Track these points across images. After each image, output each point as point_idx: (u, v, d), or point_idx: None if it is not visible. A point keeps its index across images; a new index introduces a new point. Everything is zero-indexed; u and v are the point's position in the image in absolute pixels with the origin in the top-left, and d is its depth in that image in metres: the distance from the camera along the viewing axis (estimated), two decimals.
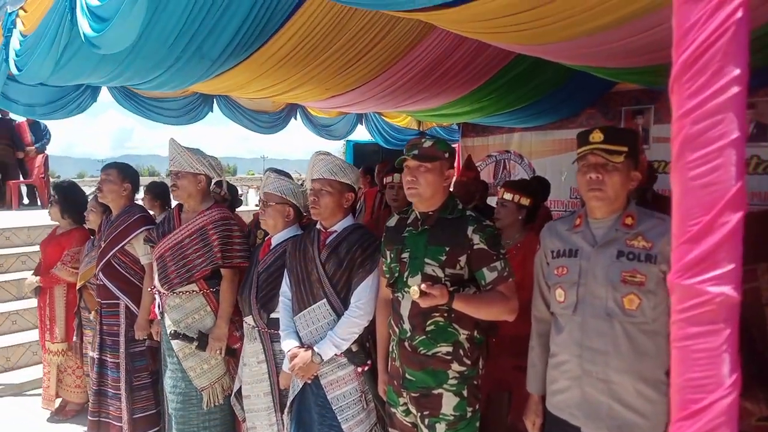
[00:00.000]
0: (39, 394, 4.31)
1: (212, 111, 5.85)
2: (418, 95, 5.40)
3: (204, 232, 3.05)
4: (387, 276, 2.32)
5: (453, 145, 8.39)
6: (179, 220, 3.14)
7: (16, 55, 3.35)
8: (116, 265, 3.48)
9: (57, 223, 4.19)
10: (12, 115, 8.67)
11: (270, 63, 4.19)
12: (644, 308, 1.78)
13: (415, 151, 2.19)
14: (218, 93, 5.66)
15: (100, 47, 2.79)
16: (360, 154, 9.17)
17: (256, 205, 10.44)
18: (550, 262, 2.02)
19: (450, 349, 2.15)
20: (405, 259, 2.21)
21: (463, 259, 2.12)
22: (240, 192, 6.48)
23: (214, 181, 3.29)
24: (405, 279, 2.19)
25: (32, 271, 4.33)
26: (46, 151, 10.16)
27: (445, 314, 2.13)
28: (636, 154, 1.89)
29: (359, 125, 7.61)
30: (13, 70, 3.40)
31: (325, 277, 2.50)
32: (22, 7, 3.47)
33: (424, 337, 2.16)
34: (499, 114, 6.25)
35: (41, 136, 10.09)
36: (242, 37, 3.70)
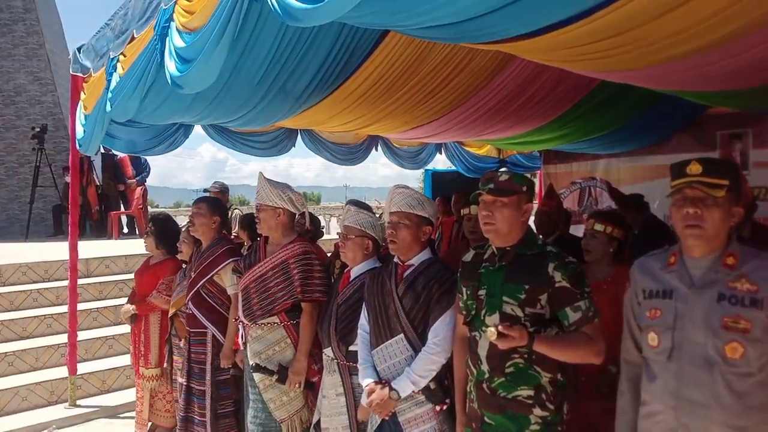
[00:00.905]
0: (132, 417, 4.52)
1: (294, 146, 6.07)
2: (498, 124, 5.34)
3: (286, 265, 3.12)
4: (464, 313, 2.26)
5: (535, 173, 8.20)
6: (264, 253, 3.23)
7: (111, 95, 3.62)
8: (205, 295, 3.62)
9: (151, 251, 4.43)
10: (114, 151, 9.35)
11: (351, 99, 4.29)
12: (749, 357, 1.63)
13: (491, 185, 2.14)
14: (301, 128, 5.85)
15: (183, 87, 2.96)
16: (439, 182, 9.15)
17: (338, 233, 10.65)
18: (642, 302, 1.88)
19: (531, 392, 2.05)
20: (482, 297, 2.15)
21: (543, 297, 2.03)
22: (322, 224, 6.61)
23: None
24: (482, 317, 2.13)
25: (127, 299, 4.58)
26: (145, 183, 10.86)
27: (526, 356, 2.04)
28: (738, 187, 1.75)
29: (439, 154, 7.62)
30: (107, 108, 3.68)
31: (402, 312, 2.47)
32: (122, 52, 3.77)
33: (503, 379, 2.07)
34: (583, 140, 6.06)
35: (141, 169, 10.82)
36: (324, 75, 3.81)
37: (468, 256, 2.33)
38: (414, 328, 2.45)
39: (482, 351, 2.13)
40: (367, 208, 3.31)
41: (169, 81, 2.96)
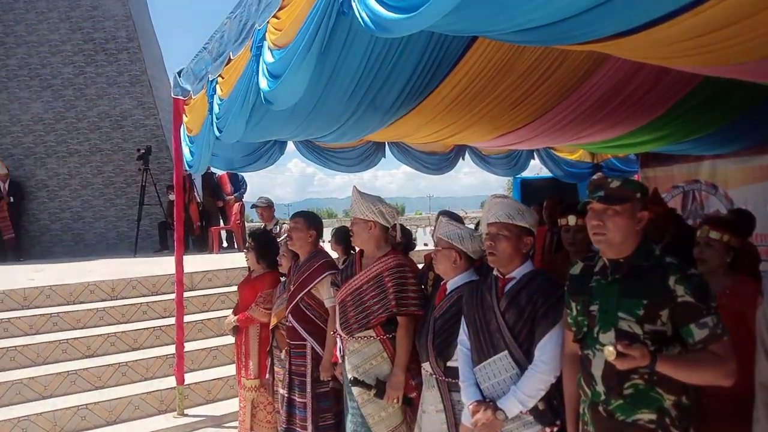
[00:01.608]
0: (236, 427, 4.68)
1: (385, 157, 6.10)
2: (592, 128, 5.12)
3: (380, 278, 3.12)
4: (573, 329, 2.14)
5: (631, 177, 7.75)
6: (360, 266, 3.26)
7: (216, 119, 3.77)
8: (303, 308, 3.70)
9: (252, 266, 4.59)
10: (212, 168, 9.83)
11: (439, 108, 4.26)
12: None
13: (601, 193, 2.02)
14: (390, 140, 5.88)
15: (273, 102, 3.03)
16: (529, 190, 8.89)
17: (425, 245, 10.61)
18: None
19: (653, 416, 1.91)
20: (594, 312, 2.03)
21: (665, 313, 1.89)
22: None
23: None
24: (595, 335, 2.01)
25: (231, 310, 4.77)
26: (242, 199, 11.36)
27: (646, 376, 1.90)
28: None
29: (532, 159, 7.41)
30: (216, 132, 3.83)
31: (505, 328, 2.39)
32: (220, 74, 3.93)
33: (621, 401, 1.94)
34: (685, 141, 5.69)
35: (239, 186, 11.35)
36: (413, 86, 3.81)
37: (576, 269, 2.21)
38: (519, 345, 2.36)
39: (597, 371, 2.00)
40: (458, 219, 3.26)
41: (262, 98, 3.05)
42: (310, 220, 3.82)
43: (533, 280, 2.43)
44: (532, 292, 2.39)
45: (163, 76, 13.27)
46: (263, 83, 2.95)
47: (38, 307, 6.16)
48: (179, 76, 4.99)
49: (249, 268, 4.70)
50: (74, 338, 5.74)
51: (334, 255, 4.56)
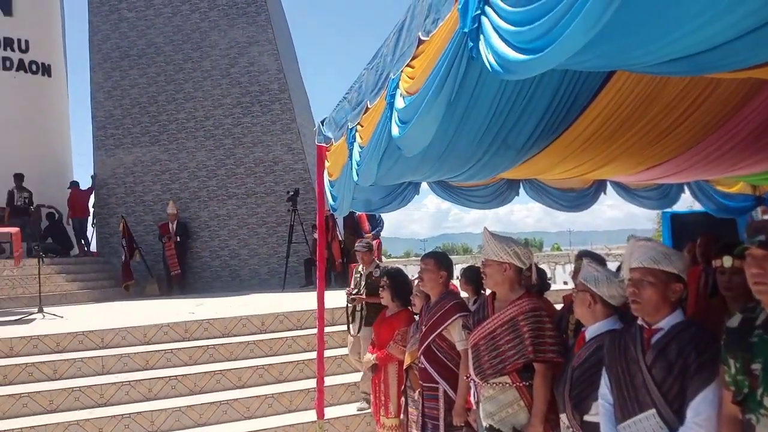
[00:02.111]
0: None
1: (518, 195, 5.98)
2: (751, 158, 4.63)
3: (515, 323, 3.03)
4: (732, 389, 1.92)
5: None
6: (492, 309, 3.20)
7: (357, 165, 3.96)
8: (435, 349, 3.69)
9: (387, 304, 4.68)
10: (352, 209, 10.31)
11: (576, 144, 4.11)
12: None
13: (762, 237, 1.81)
14: (523, 177, 5.77)
15: (402, 148, 3.10)
16: (680, 226, 8.14)
17: (565, 283, 10.11)
18: None
19: None
20: (756, 372, 1.80)
21: None
22: (548, 274, 6.35)
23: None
24: (759, 397, 1.78)
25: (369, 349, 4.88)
26: (380, 237, 11.72)
27: None
28: None
29: (682, 193, 6.83)
30: (354, 177, 4.02)
31: (652, 383, 2.19)
32: (359, 123, 4.13)
33: None
34: None
35: (376, 223, 11.75)
36: (546, 124, 3.72)
37: (734, 321, 1.98)
38: (668, 404, 2.14)
39: None
40: (600, 261, 3.08)
41: (394, 143, 3.15)
42: (440, 261, 3.84)
43: (684, 332, 2.21)
44: (682, 345, 2.17)
45: (310, 123, 14.23)
46: (395, 130, 3.06)
47: (197, 339, 6.76)
48: (322, 125, 5.31)
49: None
50: (227, 369, 6.20)
51: (463, 294, 4.53)
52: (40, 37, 14.20)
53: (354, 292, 5.93)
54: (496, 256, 3.14)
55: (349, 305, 5.95)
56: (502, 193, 5.90)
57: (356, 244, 6.58)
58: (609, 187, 6.44)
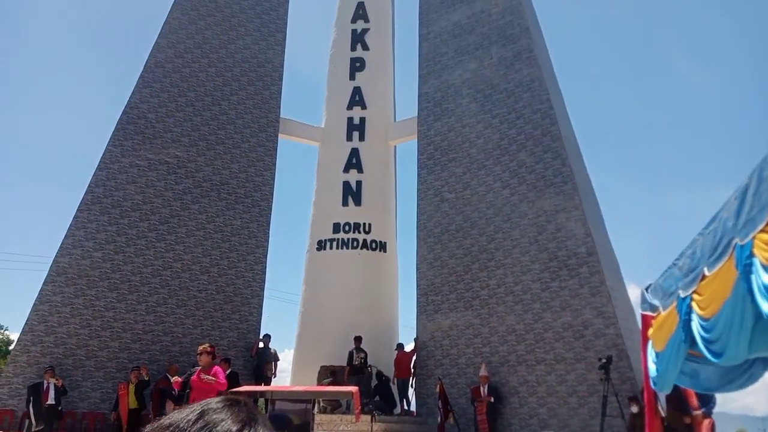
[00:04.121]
0: None
1: None
2: None
3: None
4: None
5: None
6: None
7: (705, 341, 3.67)
8: None
9: None
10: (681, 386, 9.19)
11: None
12: None
13: None
14: None
15: None
16: None
17: None
18: None
19: None
20: None
21: None
22: None
23: None
24: None
25: None
26: (712, 415, 10.07)
27: None
28: None
29: None
30: (707, 355, 3.72)
31: None
32: (695, 291, 3.91)
33: None
34: None
35: (708, 399, 10.17)
36: None
37: None
38: None
39: None
40: None
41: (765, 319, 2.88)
42: None
43: None
44: None
45: (620, 286, 13.70)
46: (765, 306, 2.82)
47: None
48: (647, 292, 5.16)
49: None
50: None
51: None
52: (379, 221, 17.20)
53: None
54: None
55: None
56: None
57: None
58: None
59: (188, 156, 15.63)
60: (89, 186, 14.31)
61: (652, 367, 4.97)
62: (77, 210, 14.04)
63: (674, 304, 4.32)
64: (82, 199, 14.16)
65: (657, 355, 4.85)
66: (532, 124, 14.60)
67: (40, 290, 13.23)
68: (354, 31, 18.88)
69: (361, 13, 19.03)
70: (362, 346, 14.44)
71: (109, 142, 14.86)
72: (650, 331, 5.10)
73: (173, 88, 16.01)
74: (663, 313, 4.76)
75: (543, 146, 14.24)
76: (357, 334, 14.53)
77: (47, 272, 13.45)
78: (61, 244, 13.68)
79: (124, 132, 15.09)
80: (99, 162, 14.61)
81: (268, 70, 17.45)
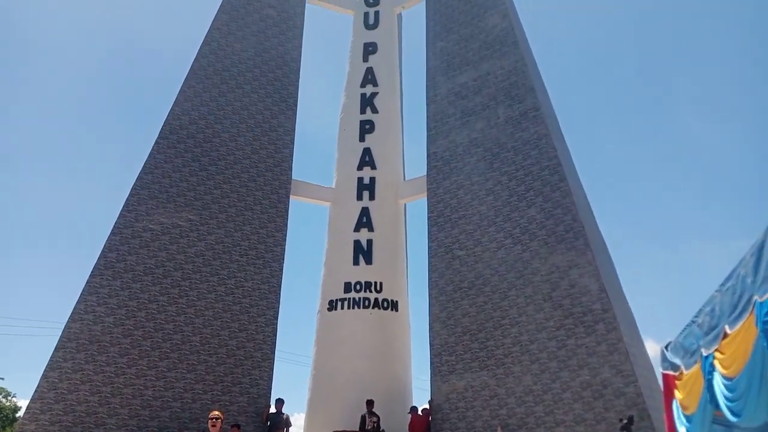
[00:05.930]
0: None
1: None
2: None
3: None
4: None
5: None
6: None
7: (727, 400, 3.58)
8: None
9: None
10: None
11: None
12: None
13: None
14: None
15: None
16: None
17: None
18: None
19: None
20: None
21: None
22: None
23: None
24: None
25: None
26: None
27: None
28: None
29: None
30: (727, 415, 3.62)
31: None
32: (717, 349, 3.81)
33: None
34: None
35: None
36: None
37: None
38: None
39: None
40: None
41: None
42: None
43: None
44: None
45: (639, 342, 13.40)
46: None
47: None
48: (666, 350, 5.05)
49: None
50: None
51: None
52: (390, 279, 17.12)
53: None
54: None
55: None
56: None
57: None
58: None
59: (201, 219, 15.79)
60: (102, 251, 14.42)
61: (681, 430, 4.79)
62: (90, 275, 14.10)
63: (698, 363, 4.22)
64: (96, 263, 14.24)
65: (687, 418, 4.68)
66: (540, 180, 14.71)
67: (51, 357, 13.12)
68: (363, 95, 19.38)
69: (370, 77, 19.58)
70: (374, 409, 14.08)
71: (123, 206, 15.08)
72: (677, 393, 4.94)
73: (187, 153, 16.36)
74: (686, 373, 4.63)
75: (552, 202, 14.29)
76: (369, 398, 14.20)
77: (58, 338, 13.38)
78: (74, 309, 13.67)
79: (138, 197, 15.33)
80: (113, 226, 14.78)
81: (279, 134, 17.84)
